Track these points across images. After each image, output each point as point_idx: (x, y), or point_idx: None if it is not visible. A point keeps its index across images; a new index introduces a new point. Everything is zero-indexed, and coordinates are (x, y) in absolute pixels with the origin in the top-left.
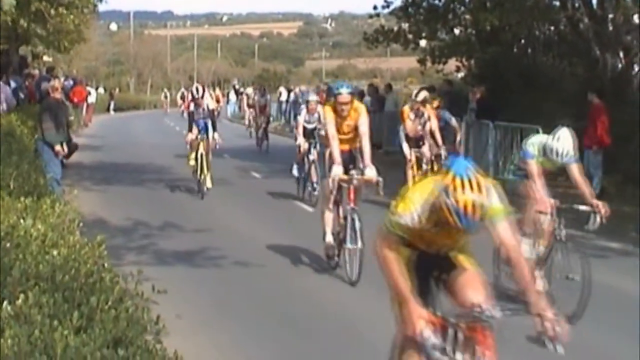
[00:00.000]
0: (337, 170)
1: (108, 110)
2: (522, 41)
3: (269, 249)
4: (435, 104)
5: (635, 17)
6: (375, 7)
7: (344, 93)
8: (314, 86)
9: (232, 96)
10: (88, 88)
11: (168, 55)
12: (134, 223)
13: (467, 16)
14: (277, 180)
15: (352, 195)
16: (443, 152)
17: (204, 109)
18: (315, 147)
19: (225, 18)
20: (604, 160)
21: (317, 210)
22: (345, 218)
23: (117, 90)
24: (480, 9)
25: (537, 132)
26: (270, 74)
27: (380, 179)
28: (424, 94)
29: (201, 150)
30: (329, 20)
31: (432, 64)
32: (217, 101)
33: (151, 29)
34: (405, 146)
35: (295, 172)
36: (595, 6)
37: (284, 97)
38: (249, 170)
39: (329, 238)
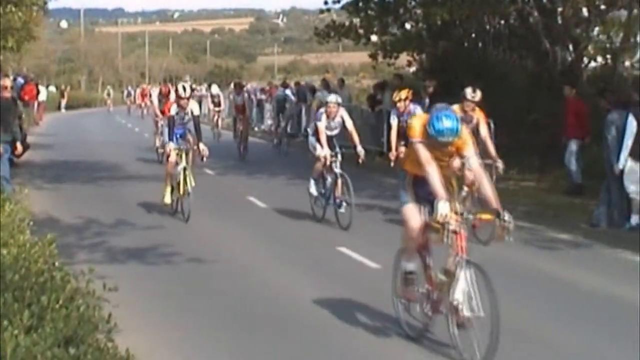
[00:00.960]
0: (444, 209)
1: (59, 108)
2: (473, 35)
3: (222, 245)
4: (404, 94)
5: (584, 10)
6: (326, 2)
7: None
8: (266, 82)
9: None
10: (39, 86)
11: (119, 53)
12: (85, 221)
13: (418, 11)
14: (230, 177)
15: (463, 244)
16: (499, 165)
17: (187, 114)
18: (339, 157)
19: (176, 14)
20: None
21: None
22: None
23: (68, 88)
24: (431, 3)
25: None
26: (222, 70)
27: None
28: (479, 93)
29: (183, 164)
30: (281, 16)
31: (383, 59)
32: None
33: (102, 26)
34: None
35: (313, 189)
36: (544, 0)
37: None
38: (202, 167)
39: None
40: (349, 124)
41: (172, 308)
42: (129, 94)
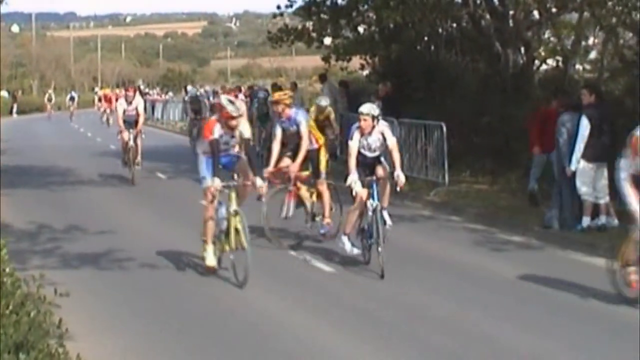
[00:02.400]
0: None
1: (11, 113)
2: (425, 38)
3: (175, 250)
4: (277, 96)
5: (535, 13)
6: (279, 7)
7: None
8: (219, 85)
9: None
10: None
11: (71, 57)
12: (38, 226)
13: (371, 14)
14: (182, 181)
15: None
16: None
17: (235, 137)
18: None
19: (128, 19)
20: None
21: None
22: None
23: (20, 92)
24: (383, 6)
25: (441, 128)
26: (175, 74)
27: None
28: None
29: (233, 206)
30: (234, 20)
31: (336, 62)
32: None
33: (54, 30)
34: None
35: (350, 248)
36: (496, 3)
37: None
38: (154, 171)
39: None
40: (392, 141)
41: (125, 314)
42: (72, 99)
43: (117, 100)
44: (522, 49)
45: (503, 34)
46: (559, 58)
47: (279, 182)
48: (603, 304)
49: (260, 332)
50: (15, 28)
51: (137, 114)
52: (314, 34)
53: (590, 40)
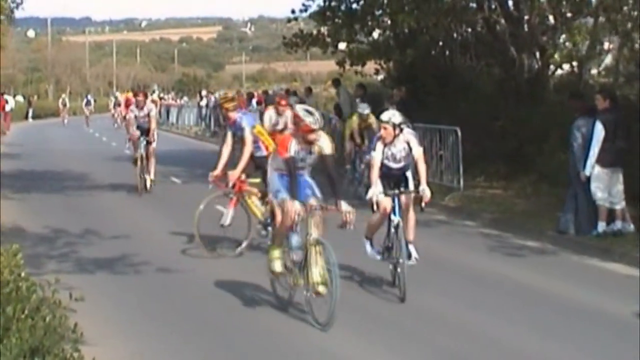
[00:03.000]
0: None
1: (26, 117)
2: (440, 43)
3: (190, 254)
4: (224, 100)
5: (551, 17)
6: (293, 11)
7: None
8: (234, 90)
9: (150, 103)
10: (5, 96)
11: (87, 62)
12: (53, 231)
13: (386, 19)
14: (197, 185)
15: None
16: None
17: (313, 153)
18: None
19: (144, 23)
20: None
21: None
22: None
23: (36, 97)
24: (398, 11)
25: (455, 132)
26: (190, 79)
27: None
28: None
29: (313, 233)
30: (248, 25)
31: (350, 67)
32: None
33: (69, 35)
34: None
35: (373, 252)
36: (511, 8)
37: (203, 102)
38: (168, 176)
39: None
40: (417, 151)
41: (140, 318)
42: (88, 103)
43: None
44: (537, 54)
45: (518, 38)
46: (574, 63)
47: (225, 187)
48: (618, 310)
49: (275, 337)
50: (31, 33)
51: (149, 120)
52: (328, 39)
53: (606, 45)
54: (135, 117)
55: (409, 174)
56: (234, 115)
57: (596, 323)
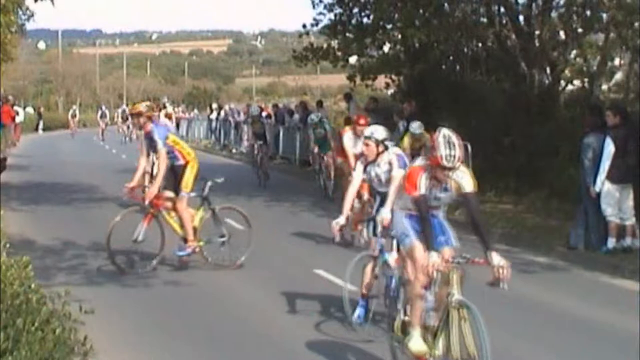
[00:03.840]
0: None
1: (36, 129)
2: (451, 58)
3: (198, 267)
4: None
5: (561, 33)
6: (304, 26)
7: None
8: (244, 104)
9: (163, 118)
10: (15, 107)
11: (97, 74)
12: (63, 243)
13: (396, 33)
14: None
15: None
16: None
17: (449, 190)
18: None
19: (154, 36)
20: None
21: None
22: None
23: (41, 109)
24: (408, 25)
25: (465, 147)
26: (200, 92)
27: None
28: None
29: (455, 293)
30: (259, 38)
31: (361, 81)
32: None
33: (80, 47)
34: None
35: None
36: (522, 23)
37: (214, 115)
38: None
39: None
40: (395, 173)
41: (149, 331)
42: (103, 115)
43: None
44: (548, 69)
45: (529, 53)
46: (585, 79)
47: (143, 200)
48: (628, 327)
49: (285, 350)
50: (41, 45)
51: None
52: (339, 53)
53: (616, 61)
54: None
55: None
56: (149, 126)
57: (606, 339)
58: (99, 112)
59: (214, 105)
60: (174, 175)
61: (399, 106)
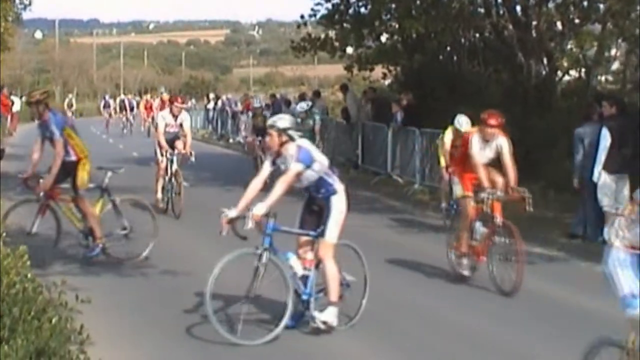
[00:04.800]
0: None
1: (33, 119)
2: (448, 48)
3: (197, 257)
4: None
5: (558, 23)
6: (302, 16)
7: None
8: (242, 94)
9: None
10: (12, 97)
11: (94, 64)
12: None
13: (394, 23)
14: (203, 189)
15: None
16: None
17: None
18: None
19: (151, 26)
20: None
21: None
22: None
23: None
24: (406, 16)
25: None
26: (197, 82)
27: None
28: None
29: None
30: (256, 28)
31: (359, 71)
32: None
33: (77, 37)
34: None
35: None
36: (519, 13)
37: (211, 105)
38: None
39: None
40: (291, 166)
41: (146, 320)
42: (106, 105)
43: (160, 109)
44: (545, 60)
45: (526, 44)
46: (582, 69)
47: (38, 191)
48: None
49: (283, 347)
50: (38, 34)
51: (184, 133)
52: (336, 43)
53: (613, 52)
54: (166, 125)
55: (335, 200)
56: (46, 115)
57: (603, 329)
58: (102, 102)
59: (211, 95)
60: (65, 172)
61: (396, 97)
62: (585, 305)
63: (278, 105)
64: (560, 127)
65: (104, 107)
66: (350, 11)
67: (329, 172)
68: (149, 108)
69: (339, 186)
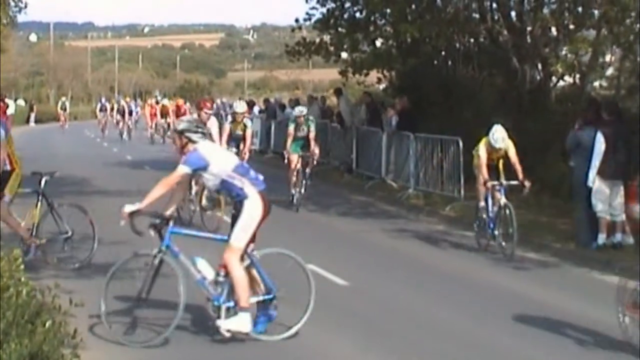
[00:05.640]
0: None
1: (27, 122)
2: (443, 53)
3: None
4: None
5: (553, 29)
6: (297, 20)
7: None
8: (237, 97)
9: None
10: (6, 100)
11: (89, 67)
12: (53, 236)
13: (388, 28)
14: None
15: None
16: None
17: None
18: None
19: (146, 29)
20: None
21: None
22: None
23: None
24: (400, 20)
25: (457, 143)
26: (192, 86)
27: None
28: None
29: None
30: (251, 32)
31: (353, 76)
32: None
33: (71, 40)
34: None
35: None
36: (514, 19)
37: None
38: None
39: None
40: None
41: (139, 322)
42: (103, 108)
43: (177, 115)
44: (539, 65)
45: (520, 49)
46: (577, 75)
47: None
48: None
49: (269, 350)
50: (33, 37)
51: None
52: (331, 48)
53: (608, 57)
54: None
55: (247, 205)
56: None
57: (596, 335)
58: (99, 105)
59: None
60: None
61: (391, 102)
62: (575, 310)
63: (272, 110)
64: (554, 132)
65: (100, 110)
66: (345, 15)
67: (234, 175)
68: (153, 114)
69: (250, 190)
